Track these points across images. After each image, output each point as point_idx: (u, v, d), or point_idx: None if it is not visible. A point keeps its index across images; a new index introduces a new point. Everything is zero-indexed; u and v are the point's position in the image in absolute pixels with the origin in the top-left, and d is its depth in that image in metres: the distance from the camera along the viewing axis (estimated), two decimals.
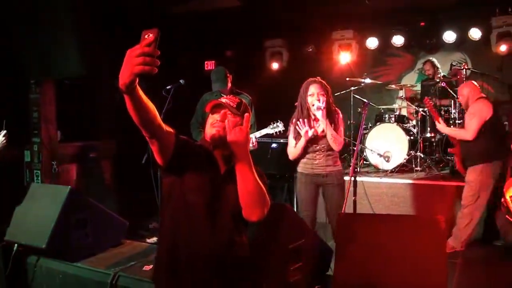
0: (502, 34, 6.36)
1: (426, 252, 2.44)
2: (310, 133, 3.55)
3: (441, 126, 4.50)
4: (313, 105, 3.56)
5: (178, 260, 1.97)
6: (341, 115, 3.75)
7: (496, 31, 6.40)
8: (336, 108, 3.76)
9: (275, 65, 8.16)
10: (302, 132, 3.56)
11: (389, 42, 7.47)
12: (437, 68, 6.71)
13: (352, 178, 3.63)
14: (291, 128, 3.76)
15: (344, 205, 3.48)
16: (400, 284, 2.38)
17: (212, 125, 2.03)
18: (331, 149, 3.66)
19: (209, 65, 8.09)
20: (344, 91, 6.57)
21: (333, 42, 7.71)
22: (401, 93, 6.73)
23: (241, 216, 2.00)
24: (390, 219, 2.79)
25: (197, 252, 1.96)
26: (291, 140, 3.76)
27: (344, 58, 7.59)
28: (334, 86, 6.79)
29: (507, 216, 3.49)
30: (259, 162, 6.29)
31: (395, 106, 6.86)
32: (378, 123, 6.39)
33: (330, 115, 3.61)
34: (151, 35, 1.44)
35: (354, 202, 3.61)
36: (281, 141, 6.46)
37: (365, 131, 6.76)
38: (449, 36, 6.97)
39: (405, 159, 5.99)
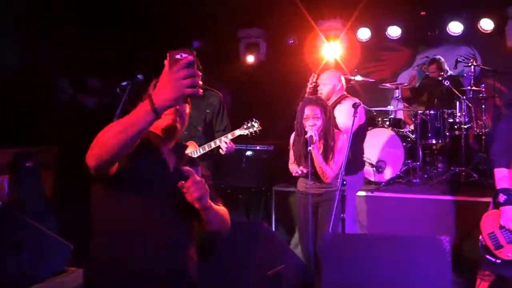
0: None
1: (427, 277, 2.49)
2: (300, 171, 3.94)
3: None
4: (307, 130, 3.90)
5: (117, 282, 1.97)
6: (342, 140, 4.03)
7: None
8: (339, 132, 4.11)
9: (250, 58, 8.23)
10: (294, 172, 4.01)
11: (384, 33, 7.61)
12: (445, 70, 6.83)
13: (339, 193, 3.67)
14: (291, 140, 4.23)
15: (330, 223, 3.54)
16: None
17: (165, 115, 2.04)
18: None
19: None
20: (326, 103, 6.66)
21: (318, 32, 7.79)
22: (397, 93, 6.84)
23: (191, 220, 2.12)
24: (385, 239, 2.83)
25: (146, 270, 1.96)
26: (291, 156, 4.20)
27: (331, 51, 7.68)
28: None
29: (487, 256, 3.62)
30: (230, 173, 6.28)
31: (390, 108, 6.98)
32: (370, 128, 6.48)
33: (326, 141, 3.97)
34: (184, 55, 1.65)
35: (343, 220, 3.66)
36: (257, 147, 6.48)
37: None
38: (455, 28, 7.13)
39: (401, 170, 6.10)
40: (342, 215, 3.63)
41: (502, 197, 3.59)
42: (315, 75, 4.68)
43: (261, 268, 2.80)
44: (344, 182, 3.61)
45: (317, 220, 4.04)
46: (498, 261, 3.58)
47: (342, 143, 4.01)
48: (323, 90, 4.52)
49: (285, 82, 7.36)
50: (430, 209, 5.47)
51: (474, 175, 6.05)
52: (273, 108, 7.22)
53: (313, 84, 4.69)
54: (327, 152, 3.96)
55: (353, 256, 2.66)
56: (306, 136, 3.89)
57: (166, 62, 1.69)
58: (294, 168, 4.05)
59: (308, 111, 3.91)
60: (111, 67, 6.46)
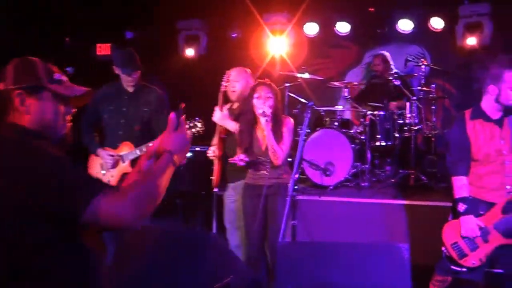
0: (471, 25, 6.77)
1: (386, 286, 2.48)
2: (242, 159, 4.04)
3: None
4: (258, 109, 4.01)
5: None
6: (290, 124, 4.18)
7: (463, 21, 6.80)
8: (286, 117, 4.26)
9: (190, 52, 8.08)
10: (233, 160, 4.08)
11: (332, 29, 7.66)
12: (389, 64, 6.94)
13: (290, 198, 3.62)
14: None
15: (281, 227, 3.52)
16: None
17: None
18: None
19: (103, 49, 7.82)
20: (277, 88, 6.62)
21: (263, 26, 7.73)
22: (346, 92, 6.89)
23: None
24: (342, 247, 2.80)
25: None
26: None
27: (277, 46, 7.66)
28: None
29: (452, 266, 3.71)
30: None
31: (339, 108, 7.02)
32: (318, 128, 6.49)
33: (275, 123, 4.06)
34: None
35: (293, 227, 3.59)
36: (197, 148, 6.35)
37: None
38: (405, 26, 7.27)
39: (349, 172, 6.13)
40: (292, 222, 3.57)
41: (461, 207, 3.65)
42: (231, 73, 4.64)
43: (208, 281, 2.69)
44: (296, 187, 3.55)
45: (265, 217, 4.12)
46: (464, 269, 3.66)
47: (289, 127, 4.16)
48: (236, 87, 4.49)
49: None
50: (379, 214, 5.52)
51: (423, 178, 6.19)
52: (214, 106, 7.10)
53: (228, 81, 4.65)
54: (277, 135, 4.04)
55: (308, 265, 2.63)
56: (257, 113, 4.02)
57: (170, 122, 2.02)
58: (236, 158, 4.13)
59: (259, 91, 4.07)
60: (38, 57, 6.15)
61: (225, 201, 4.67)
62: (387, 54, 7.01)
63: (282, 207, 3.86)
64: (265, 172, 4.10)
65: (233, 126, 4.30)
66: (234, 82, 4.50)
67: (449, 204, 5.21)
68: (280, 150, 4.01)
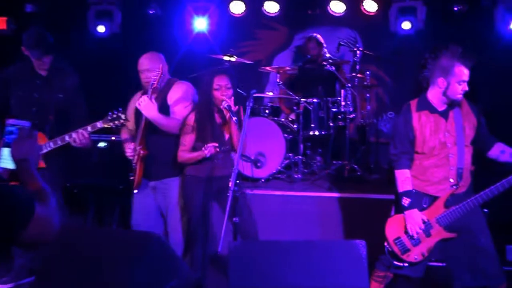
0: (405, 9, 7.04)
1: (344, 283, 2.58)
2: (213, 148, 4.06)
3: None
4: (222, 101, 4.10)
5: None
6: (241, 111, 4.31)
7: (396, 6, 7.05)
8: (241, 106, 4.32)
9: (101, 29, 7.79)
10: (206, 151, 4.05)
11: (260, 9, 7.66)
12: (323, 48, 7.06)
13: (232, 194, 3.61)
14: (187, 127, 4.21)
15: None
16: None
17: None
18: (229, 151, 4.28)
19: None
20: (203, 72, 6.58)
21: (184, 3, 7.67)
22: (277, 78, 6.93)
23: None
24: (298, 245, 2.85)
25: None
26: (184, 141, 4.23)
27: (200, 25, 7.62)
28: (189, 64, 6.72)
29: (395, 262, 3.88)
30: (78, 169, 5.90)
31: (270, 94, 7.06)
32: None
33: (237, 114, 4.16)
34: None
35: (235, 225, 3.57)
36: (112, 138, 6.18)
37: None
38: (337, 7, 7.41)
39: (281, 164, 6.21)
40: (234, 218, 3.56)
41: (406, 201, 3.81)
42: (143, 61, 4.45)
43: (150, 285, 2.64)
44: (237, 182, 3.55)
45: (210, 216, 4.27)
46: (406, 264, 3.85)
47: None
48: (151, 77, 4.22)
49: None
50: (314, 207, 5.66)
51: (357, 169, 6.42)
52: (131, 90, 6.94)
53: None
54: (239, 125, 4.16)
55: (263, 265, 2.65)
56: (222, 106, 4.11)
57: None
58: (194, 154, 4.16)
59: (219, 81, 4.16)
60: None
61: (136, 200, 4.49)
62: (320, 37, 7.11)
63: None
64: (221, 161, 4.25)
65: (161, 119, 4.17)
66: (147, 72, 4.26)
67: (383, 196, 5.51)
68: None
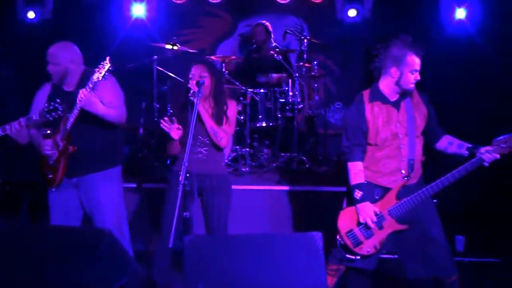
0: None
1: (302, 275, 2.72)
2: (177, 135, 4.06)
3: None
4: (190, 92, 4.09)
5: None
6: (233, 107, 4.33)
7: None
8: (230, 99, 4.37)
9: (31, 15, 7.68)
10: (170, 133, 4.05)
11: None
12: (271, 35, 7.16)
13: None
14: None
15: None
16: None
17: None
18: (216, 145, 4.24)
19: None
20: (144, 61, 6.68)
21: None
22: (222, 68, 7.02)
23: None
24: (254, 239, 2.94)
25: None
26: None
27: (138, 12, 7.65)
28: (127, 52, 6.69)
29: (347, 255, 4.04)
30: (8, 163, 5.80)
31: None
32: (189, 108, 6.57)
33: (216, 105, 4.22)
34: None
35: (185, 219, 3.66)
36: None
37: (173, 118, 6.93)
38: None
39: (228, 157, 6.33)
40: (185, 213, 3.64)
41: (358, 193, 3.94)
42: (108, 58, 4.38)
43: (102, 284, 2.71)
44: (188, 175, 3.61)
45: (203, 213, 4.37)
46: (358, 257, 3.99)
47: (232, 109, 4.32)
48: (57, 71, 4.13)
49: (82, 47, 7.07)
50: (263, 201, 5.82)
51: (306, 162, 6.62)
52: None
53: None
54: (220, 116, 4.21)
55: (219, 260, 2.72)
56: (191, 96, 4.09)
57: None
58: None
59: (194, 70, 4.18)
60: None
61: (54, 199, 4.34)
62: (268, 24, 7.18)
63: (224, 201, 4.31)
64: (202, 156, 4.24)
65: (108, 110, 4.09)
66: (54, 65, 4.13)
67: (333, 189, 5.72)
68: (221, 131, 4.17)
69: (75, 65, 4.20)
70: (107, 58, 4.06)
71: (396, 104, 3.99)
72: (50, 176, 4.18)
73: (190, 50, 6.98)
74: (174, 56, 7.02)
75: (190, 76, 4.18)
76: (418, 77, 3.89)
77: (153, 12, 7.72)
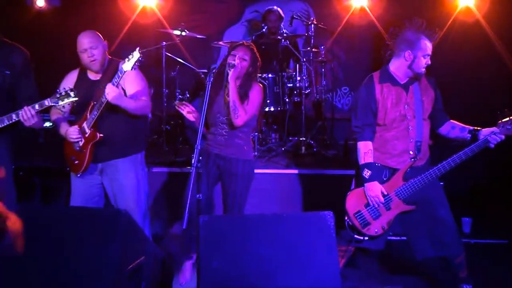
0: None
1: (315, 253, 2.78)
2: (193, 117, 4.20)
3: None
4: (229, 64, 4.19)
5: None
6: (258, 90, 4.40)
7: None
8: (257, 83, 4.45)
9: (41, 2, 7.73)
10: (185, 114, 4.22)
11: None
12: (282, 21, 7.17)
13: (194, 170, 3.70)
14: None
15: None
16: None
17: None
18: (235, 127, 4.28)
19: None
20: (153, 47, 6.72)
21: None
22: (224, 52, 7.07)
23: None
24: (267, 219, 3.00)
25: None
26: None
27: None
28: (136, 38, 6.69)
29: (355, 236, 4.10)
30: (23, 150, 5.90)
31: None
32: (201, 93, 6.62)
33: (244, 85, 4.30)
34: None
35: (199, 201, 3.70)
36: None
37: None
38: None
39: None
40: (198, 195, 3.68)
41: (367, 172, 3.98)
42: (138, 49, 4.37)
43: (119, 263, 2.77)
44: (200, 158, 3.65)
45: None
46: (366, 238, 4.05)
47: (258, 93, 4.39)
48: (96, 55, 4.17)
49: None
50: (272, 184, 5.87)
51: (314, 146, 6.67)
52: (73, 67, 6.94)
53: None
54: (242, 96, 4.27)
55: (233, 239, 2.78)
56: (228, 67, 4.21)
57: None
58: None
59: (237, 51, 4.29)
60: None
61: (77, 183, 4.40)
62: (280, 10, 7.18)
63: (242, 186, 4.38)
64: (222, 138, 4.34)
65: (132, 104, 4.16)
66: (92, 49, 4.16)
67: (341, 172, 5.77)
68: (241, 109, 4.20)
69: (105, 53, 4.28)
70: (137, 49, 4.01)
71: (405, 87, 4.03)
72: (76, 162, 4.25)
73: (198, 36, 7.01)
74: (182, 41, 7.05)
75: (232, 54, 4.25)
76: (429, 62, 3.93)
77: None
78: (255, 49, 4.38)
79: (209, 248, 2.82)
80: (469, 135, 3.95)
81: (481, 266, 4.61)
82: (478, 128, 3.91)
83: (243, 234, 2.87)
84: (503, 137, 3.80)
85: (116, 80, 4.00)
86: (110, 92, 3.96)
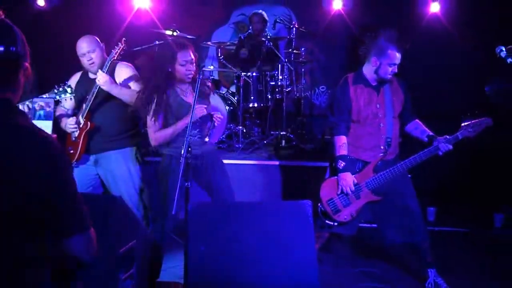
0: None
1: (294, 240, 2.78)
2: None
3: None
4: (186, 75, 3.95)
5: None
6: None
7: None
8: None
9: (41, 1, 7.56)
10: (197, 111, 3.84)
11: None
12: (267, 24, 7.17)
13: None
14: (152, 107, 3.90)
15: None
16: (268, 283, 2.64)
17: None
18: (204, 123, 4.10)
19: None
20: (147, 45, 6.64)
21: None
22: (218, 53, 7.08)
23: None
24: (250, 206, 3.00)
25: None
26: (152, 122, 3.92)
27: (141, 1, 7.59)
28: (131, 38, 6.69)
29: (327, 221, 4.14)
30: None
31: (210, 68, 7.14)
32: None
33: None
34: None
35: (187, 189, 3.69)
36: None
37: None
38: None
39: (223, 134, 6.39)
40: (186, 183, 3.67)
41: (341, 164, 4.02)
42: (124, 39, 4.40)
43: (114, 244, 2.75)
44: (189, 149, 3.62)
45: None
46: (336, 223, 4.10)
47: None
48: (94, 58, 4.15)
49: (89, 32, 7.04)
50: (255, 174, 5.88)
51: (293, 139, 6.69)
52: (72, 65, 6.87)
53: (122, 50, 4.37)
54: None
55: (219, 226, 2.77)
56: (187, 79, 3.98)
57: None
58: (169, 130, 3.94)
59: (184, 57, 3.94)
60: None
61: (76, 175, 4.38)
62: (264, 13, 7.17)
63: (223, 170, 4.21)
64: (197, 138, 4.09)
65: (124, 90, 4.15)
66: (90, 53, 4.15)
67: (317, 164, 5.80)
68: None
69: (103, 54, 4.26)
70: (123, 40, 4.18)
71: (376, 88, 4.07)
72: (72, 151, 4.21)
73: (189, 36, 6.96)
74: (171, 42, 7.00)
75: (182, 62, 3.95)
76: (396, 70, 3.97)
77: (154, 1, 7.63)
78: (191, 44, 4.14)
79: (197, 232, 2.81)
80: (426, 139, 4.04)
81: (444, 251, 4.68)
82: (435, 135, 3.99)
83: (228, 220, 2.87)
84: (451, 147, 3.89)
85: (105, 66, 4.08)
86: (101, 78, 4.01)
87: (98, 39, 4.30)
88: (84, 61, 4.18)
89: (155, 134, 3.96)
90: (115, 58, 4.18)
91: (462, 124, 3.94)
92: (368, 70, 4.07)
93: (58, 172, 1.70)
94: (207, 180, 4.12)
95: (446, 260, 4.23)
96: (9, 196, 1.61)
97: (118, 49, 4.18)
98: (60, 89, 4.05)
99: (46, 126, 4.00)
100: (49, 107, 4.06)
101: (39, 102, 4.04)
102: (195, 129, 4.01)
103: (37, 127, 1.76)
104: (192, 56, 3.98)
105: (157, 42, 6.71)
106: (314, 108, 7.87)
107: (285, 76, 6.65)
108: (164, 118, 3.95)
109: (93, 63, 4.16)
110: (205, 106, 4.00)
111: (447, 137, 3.91)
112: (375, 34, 4.00)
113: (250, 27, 7.30)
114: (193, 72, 3.98)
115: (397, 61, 3.93)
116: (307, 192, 5.68)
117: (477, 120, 3.91)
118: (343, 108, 4.08)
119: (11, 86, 1.80)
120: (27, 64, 1.86)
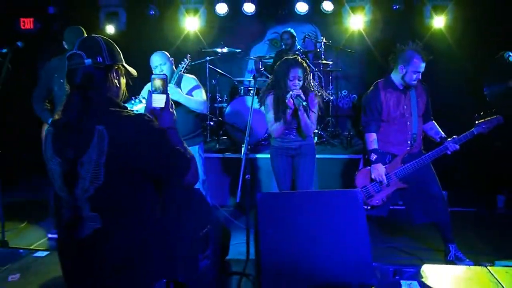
0: (356, 8, 7.13)
1: (348, 226, 2.72)
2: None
3: None
4: (291, 91, 3.92)
5: None
6: (316, 100, 4.18)
7: (349, 5, 7.14)
8: (314, 91, 4.19)
9: (110, 29, 7.55)
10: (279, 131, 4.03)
11: (240, 9, 7.59)
12: (296, 39, 7.10)
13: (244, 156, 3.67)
14: (269, 103, 4.09)
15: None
16: (326, 261, 2.61)
17: None
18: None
19: (26, 23, 7.15)
20: (199, 61, 6.68)
21: (178, 5, 7.53)
22: (259, 65, 7.07)
23: None
24: (308, 195, 2.96)
25: None
26: (270, 117, 4.08)
27: (191, 24, 7.53)
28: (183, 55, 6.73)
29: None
30: None
31: (248, 78, 7.14)
32: (236, 96, 6.61)
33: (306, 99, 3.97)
34: None
35: (247, 180, 3.68)
36: None
37: (223, 105, 6.97)
38: (301, 7, 7.41)
39: (266, 133, 6.35)
40: (246, 176, 3.66)
41: (373, 156, 3.98)
42: (189, 56, 4.42)
43: (194, 228, 2.74)
44: (249, 146, 3.62)
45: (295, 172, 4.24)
46: (369, 207, 4.06)
47: (314, 102, 4.17)
48: (165, 70, 4.16)
49: (145, 54, 7.11)
50: None
51: (324, 136, 6.63)
52: (138, 82, 6.91)
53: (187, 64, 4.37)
54: (307, 111, 4.02)
55: (284, 212, 2.76)
56: (291, 94, 3.90)
57: None
58: (279, 127, 4.05)
59: (294, 73, 3.96)
60: None
61: None
62: (293, 31, 7.09)
63: (310, 162, 4.25)
64: (294, 136, 4.17)
65: (191, 100, 4.18)
66: (161, 66, 4.16)
67: (344, 156, 5.74)
68: (311, 126, 4.08)
69: (172, 67, 4.29)
70: (188, 56, 4.21)
71: (403, 91, 4.02)
72: None
73: (236, 50, 6.99)
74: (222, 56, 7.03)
75: (291, 79, 3.98)
76: (419, 77, 3.92)
77: (202, 23, 7.62)
78: (303, 62, 4.12)
79: (264, 217, 2.78)
80: (438, 140, 4.02)
81: (456, 227, 4.59)
82: (445, 137, 3.97)
83: (291, 207, 2.83)
84: (458, 147, 3.87)
85: (173, 78, 4.10)
86: (170, 89, 3.99)
87: (168, 54, 4.31)
88: (166, 69, 4.20)
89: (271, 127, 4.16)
90: (182, 72, 4.19)
91: (476, 122, 3.89)
92: (396, 76, 4.01)
93: (159, 141, 2.05)
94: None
95: (457, 236, 4.14)
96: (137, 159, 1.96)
97: (185, 64, 4.20)
98: (136, 100, 4.06)
99: None
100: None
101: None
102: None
103: (139, 113, 2.06)
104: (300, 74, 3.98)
105: (208, 58, 6.75)
106: (339, 110, 7.82)
107: (316, 83, 6.55)
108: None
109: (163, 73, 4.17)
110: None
111: (455, 137, 3.88)
112: (403, 45, 3.93)
113: (282, 43, 7.21)
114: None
115: (421, 69, 3.87)
116: (339, 181, 5.68)
117: (489, 118, 3.86)
118: (374, 109, 4.03)
119: (107, 88, 2.03)
120: (119, 66, 2.12)
